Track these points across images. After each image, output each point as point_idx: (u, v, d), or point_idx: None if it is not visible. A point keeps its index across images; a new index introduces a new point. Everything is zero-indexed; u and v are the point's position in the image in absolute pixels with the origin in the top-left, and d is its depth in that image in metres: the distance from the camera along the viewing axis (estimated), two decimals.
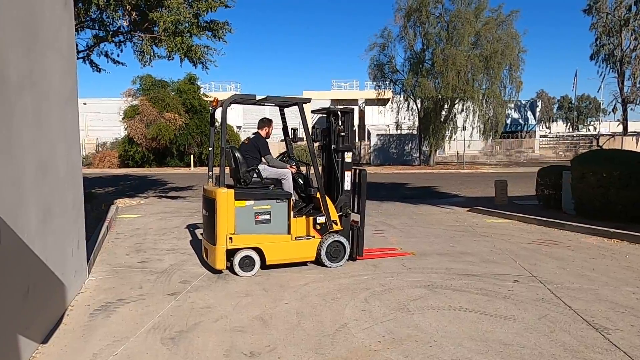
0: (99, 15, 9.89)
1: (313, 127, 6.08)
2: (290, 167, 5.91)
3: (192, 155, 28.99)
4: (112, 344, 3.48)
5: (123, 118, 28.68)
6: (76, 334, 3.68)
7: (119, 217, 9.78)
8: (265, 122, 6.01)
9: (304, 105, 5.67)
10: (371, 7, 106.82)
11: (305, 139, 5.66)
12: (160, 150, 28.71)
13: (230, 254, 5.23)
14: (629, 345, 3.42)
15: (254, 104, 5.77)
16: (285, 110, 6.43)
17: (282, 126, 6.48)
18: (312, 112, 6.71)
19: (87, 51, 10.74)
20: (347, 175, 5.85)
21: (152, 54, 9.89)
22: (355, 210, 6.00)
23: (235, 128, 32.90)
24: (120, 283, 5.02)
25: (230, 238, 5.16)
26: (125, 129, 28.87)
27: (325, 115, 6.13)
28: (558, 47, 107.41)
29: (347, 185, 5.86)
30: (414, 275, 5.32)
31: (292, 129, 6.17)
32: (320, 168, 5.95)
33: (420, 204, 11.95)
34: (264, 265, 5.38)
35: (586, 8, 33.58)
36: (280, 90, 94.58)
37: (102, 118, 38.85)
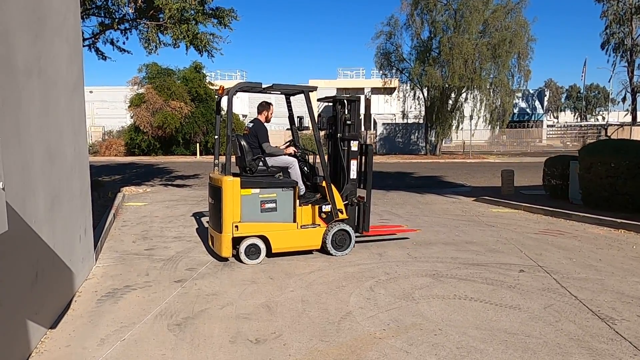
0: (105, 3, 9.85)
1: (319, 116, 6.06)
2: (287, 148, 5.88)
3: (197, 144, 29.03)
4: (119, 329, 3.52)
5: (129, 106, 28.69)
6: (84, 319, 3.72)
7: (126, 205, 9.84)
8: (264, 106, 5.92)
9: (310, 93, 5.64)
10: None
11: (311, 127, 5.65)
12: (166, 138, 28.75)
13: (236, 241, 5.25)
14: (635, 335, 3.41)
15: (260, 91, 5.74)
16: (291, 98, 6.41)
17: (288, 114, 6.46)
18: (319, 100, 6.67)
19: (93, 39, 10.72)
20: (353, 164, 5.84)
21: (157, 41, 9.86)
22: (362, 186, 6.00)
23: (241, 117, 32.88)
24: (127, 270, 5.06)
25: (236, 226, 5.18)
26: (132, 117, 28.92)
27: (331, 103, 6.11)
28: (568, 35, 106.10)
29: (353, 174, 5.85)
30: (420, 264, 5.33)
31: (298, 117, 6.14)
32: (326, 156, 5.93)
33: (426, 194, 11.93)
34: (270, 254, 5.40)
35: None
36: (286, 78, 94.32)
37: (108, 106, 38.93)
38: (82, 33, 10.32)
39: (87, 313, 3.85)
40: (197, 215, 8.43)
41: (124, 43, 11.10)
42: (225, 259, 5.40)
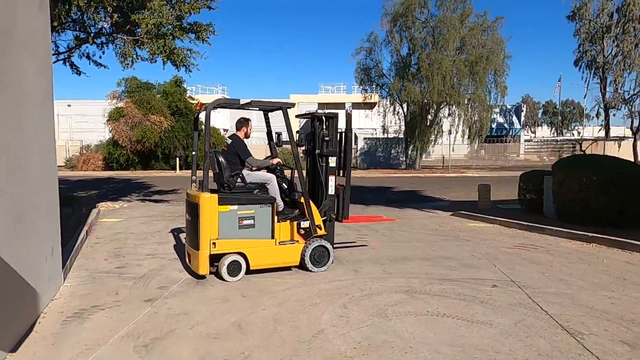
0: (80, 17, 9.76)
1: (297, 132, 6.08)
2: (272, 160, 5.92)
3: (177, 159, 28.76)
4: (83, 352, 3.42)
5: (107, 120, 28.33)
6: (47, 341, 3.60)
7: (100, 221, 9.65)
8: (243, 123, 5.92)
9: (288, 109, 5.67)
10: (358, 10, 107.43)
11: (290, 143, 5.66)
12: (145, 153, 28.42)
13: (214, 259, 5.18)
14: (602, 350, 3.45)
15: (238, 108, 5.74)
16: (270, 114, 6.42)
17: (266, 130, 6.46)
18: (297, 116, 6.70)
19: (68, 53, 10.60)
20: (332, 180, 5.87)
21: (134, 56, 9.79)
22: (341, 174, 6.03)
23: (221, 131, 32.70)
24: (96, 289, 4.94)
25: (214, 243, 5.11)
26: (110, 132, 28.53)
27: (309, 119, 6.13)
28: (544, 52, 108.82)
29: (332, 190, 5.88)
30: (394, 280, 5.32)
31: (276, 133, 6.15)
32: (304, 172, 5.94)
33: (405, 208, 11.99)
34: (248, 271, 5.34)
35: (570, 14, 34.12)
36: (267, 93, 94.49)
37: (87, 120, 38.35)
38: (57, 47, 10.23)
39: (51, 335, 3.73)
40: (174, 232, 8.30)
41: (100, 57, 11.03)
42: (202, 277, 5.31)
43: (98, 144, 32.36)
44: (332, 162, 5.86)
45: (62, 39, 10.63)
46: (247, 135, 5.94)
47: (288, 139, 5.62)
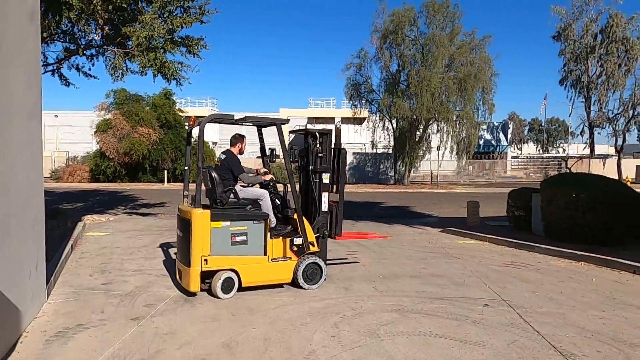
0: (71, 28, 9.69)
1: (291, 148, 6.06)
2: (264, 176, 5.90)
3: (165, 171, 28.52)
4: None
5: (95, 132, 28.05)
6: None
7: (86, 234, 9.47)
8: (237, 139, 5.91)
9: (282, 125, 5.66)
10: (348, 26, 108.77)
11: (282, 159, 5.65)
12: (132, 165, 28.15)
13: (205, 276, 5.10)
14: None
15: (232, 123, 5.72)
16: (263, 129, 6.40)
17: (259, 146, 6.44)
18: (290, 132, 6.72)
19: (58, 64, 10.50)
20: (325, 196, 5.85)
21: (124, 69, 9.72)
22: (335, 190, 6.01)
23: (210, 144, 32.60)
24: (80, 307, 4.80)
25: (205, 260, 5.03)
26: (97, 143, 28.23)
27: (303, 135, 6.13)
28: (530, 70, 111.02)
29: (325, 207, 5.85)
30: (385, 298, 5.27)
31: (269, 148, 6.13)
32: (297, 188, 5.91)
33: (394, 224, 11.98)
34: (240, 288, 5.26)
35: (555, 35, 34.85)
36: (257, 106, 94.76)
37: (74, 131, 37.95)
38: (46, 58, 10.13)
39: (33, 356, 3.60)
40: (161, 247, 8.17)
41: (90, 69, 10.92)
42: (193, 294, 5.20)
43: (85, 155, 31.99)
44: (326, 178, 5.85)
45: (51, 50, 10.56)
46: (241, 152, 5.93)
47: (281, 155, 5.60)
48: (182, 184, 28.54)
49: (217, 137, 37.87)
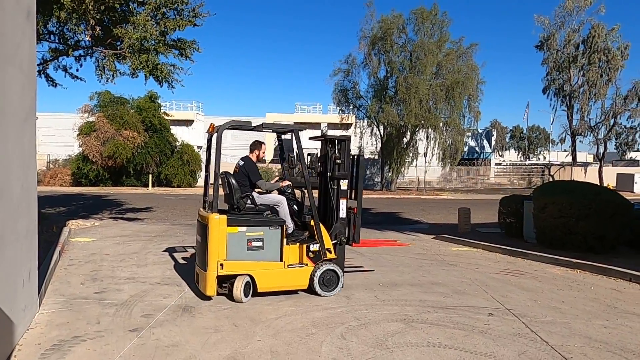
0: (59, 29, 9.45)
1: (308, 155, 5.99)
2: (282, 182, 5.85)
3: (150, 175, 28.08)
4: None
5: (78, 135, 27.47)
6: None
7: (72, 240, 9.19)
8: (256, 145, 5.86)
9: (299, 132, 5.59)
10: (335, 30, 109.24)
11: (300, 166, 5.58)
12: (116, 168, 27.64)
13: (221, 280, 5.12)
14: None
15: (250, 130, 5.65)
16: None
17: (279, 152, 6.39)
18: (310, 139, 6.64)
19: (44, 65, 10.22)
20: (343, 203, 5.82)
21: (114, 70, 9.50)
22: (353, 197, 5.99)
23: (195, 147, 32.21)
24: (75, 317, 4.61)
25: (222, 264, 5.03)
26: (80, 146, 27.64)
27: (321, 141, 6.07)
28: (512, 78, 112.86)
29: (343, 213, 5.81)
30: (388, 307, 5.19)
31: (289, 155, 6.06)
32: (315, 194, 5.85)
33: (386, 231, 11.93)
34: (255, 293, 5.26)
35: (538, 44, 35.47)
36: (243, 111, 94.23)
37: (54, 134, 37.08)
38: None
39: None
40: (152, 253, 7.96)
41: (77, 70, 10.66)
42: (209, 298, 5.20)
43: (66, 158, 31.35)
44: (344, 185, 5.83)
45: (38, 50, 10.25)
46: (259, 158, 5.87)
47: (299, 161, 5.56)
48: (167, 189, 28.16)
49: (202, 141, 37.46)
